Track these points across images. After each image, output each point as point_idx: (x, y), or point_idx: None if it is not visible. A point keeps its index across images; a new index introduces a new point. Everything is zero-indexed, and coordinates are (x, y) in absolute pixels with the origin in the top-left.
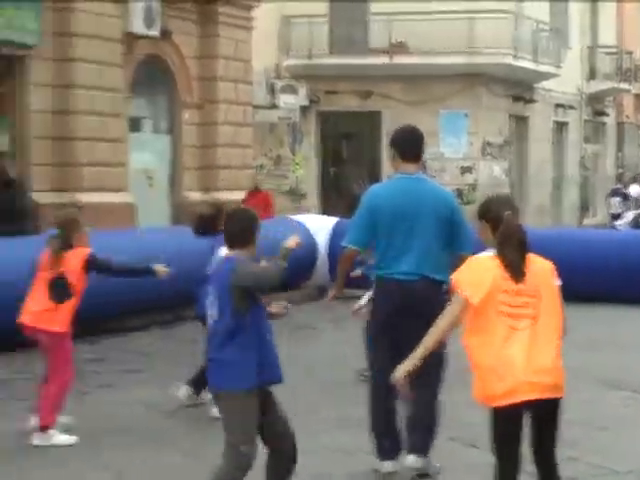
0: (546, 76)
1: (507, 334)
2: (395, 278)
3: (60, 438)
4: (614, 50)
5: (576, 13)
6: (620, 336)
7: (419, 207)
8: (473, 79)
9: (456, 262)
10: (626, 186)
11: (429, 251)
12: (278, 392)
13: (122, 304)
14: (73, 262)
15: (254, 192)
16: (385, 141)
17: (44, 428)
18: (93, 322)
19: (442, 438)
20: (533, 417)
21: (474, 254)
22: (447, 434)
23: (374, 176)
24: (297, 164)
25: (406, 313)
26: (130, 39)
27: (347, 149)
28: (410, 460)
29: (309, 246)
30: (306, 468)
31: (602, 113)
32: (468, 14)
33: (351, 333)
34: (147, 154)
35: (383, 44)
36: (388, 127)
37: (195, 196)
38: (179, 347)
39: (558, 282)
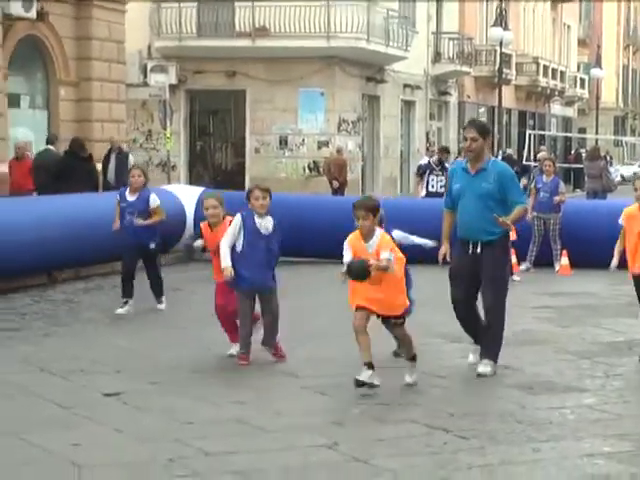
0: (395, 59)
1: None
2: None
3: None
4: (456, 36)
5: (422, 2)
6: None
7: None
8: (329, 61)
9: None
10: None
11: None
12: None
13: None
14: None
15: (19, 161)
16: (249, 116)
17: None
18: None
19: None
20: None
21: None
22: None
23: (238, 149)
24: (167, 138)
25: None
26: (9, 21)
27: (213, 125)
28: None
29: (179, 214)
30: None
31: (445, 93)
32: (326, 1)
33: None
34: (25, 128)
35: (247, 28)
36: (251, 104)
37: None
38: (54, 307)
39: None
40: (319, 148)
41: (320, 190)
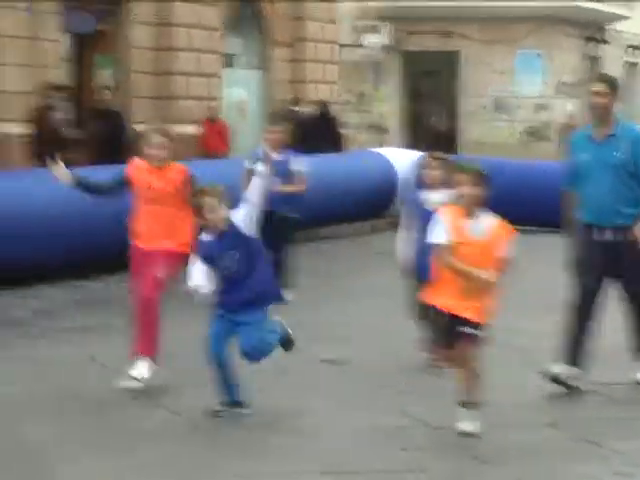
0: (617, 18)
1: None
2: None
3: None
4: None
5: None
6: None
7: None
8: (546, 21)
9: None
10: None
11: None
12: None
13: None
14: None
15: (211, 122)
16: (463, 78)
17: None
18: None
19: None
20: None
21: None
22: None
23: (451, 112)
24: (380, 100)
25: None
26: None
27: (427, 86)
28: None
29: (390, 177)
30: None
31: None
32: None
33: None
34: (240, 88)
35: None
36: (466, 65)
37: None
38: None
39: None
40: (536, 112)
41: (539, 155)
